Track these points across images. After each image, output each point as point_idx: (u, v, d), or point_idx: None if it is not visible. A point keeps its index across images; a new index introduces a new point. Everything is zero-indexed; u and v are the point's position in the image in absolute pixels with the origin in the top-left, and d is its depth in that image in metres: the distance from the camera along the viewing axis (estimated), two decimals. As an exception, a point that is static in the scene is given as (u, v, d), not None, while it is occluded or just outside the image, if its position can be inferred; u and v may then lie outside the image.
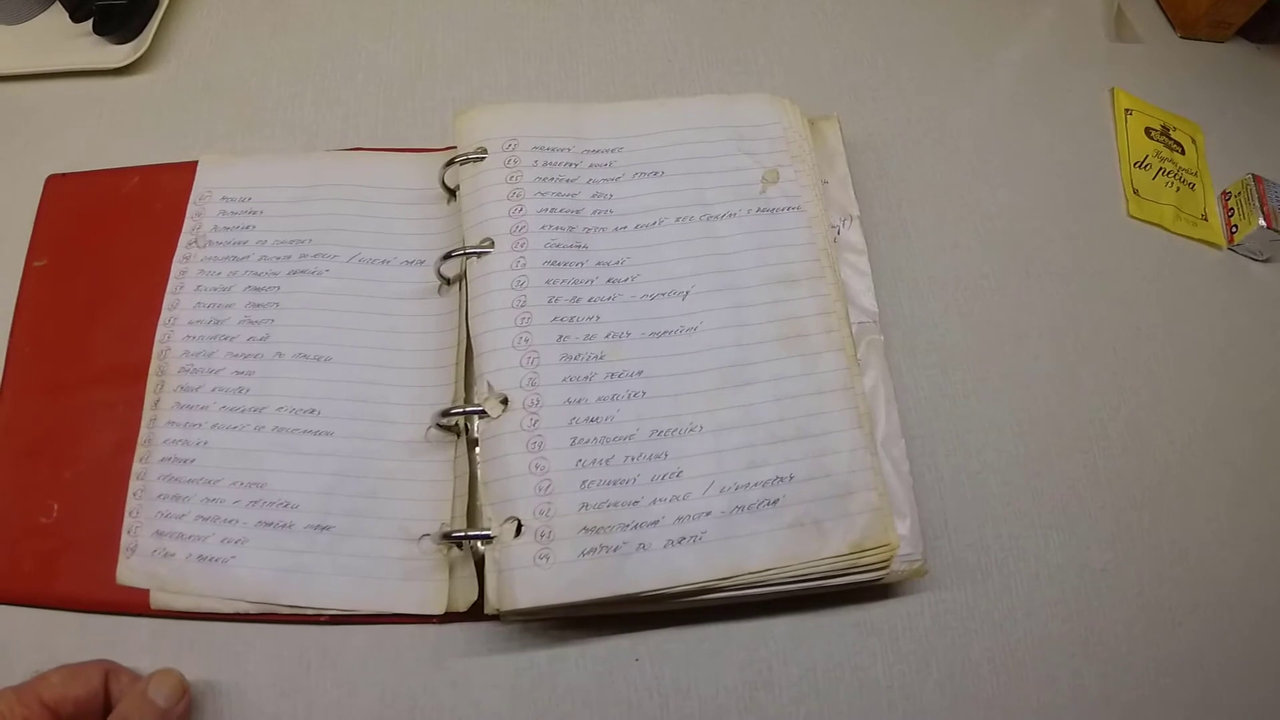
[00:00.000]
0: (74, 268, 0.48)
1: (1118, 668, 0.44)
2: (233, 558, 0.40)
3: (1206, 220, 0.57)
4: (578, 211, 0.43)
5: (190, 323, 0.45)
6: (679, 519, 0.38)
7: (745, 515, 0.38)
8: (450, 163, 0.44)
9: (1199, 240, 0.56)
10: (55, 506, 0.42)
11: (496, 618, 0.38)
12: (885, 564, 0.39)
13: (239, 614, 0.40)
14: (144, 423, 0.43)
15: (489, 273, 0.41)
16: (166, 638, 0.40)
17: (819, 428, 0.40)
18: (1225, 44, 0.65)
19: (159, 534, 0.41)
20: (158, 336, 0.45)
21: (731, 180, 0.44)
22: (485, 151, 0.43)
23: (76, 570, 0.41)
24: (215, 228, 0.46)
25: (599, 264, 0.42)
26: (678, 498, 0.38)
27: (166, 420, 0.43)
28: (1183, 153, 0.58)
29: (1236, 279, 0.56)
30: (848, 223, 0.47)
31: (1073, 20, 0.62)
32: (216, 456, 0.42)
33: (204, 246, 0.46)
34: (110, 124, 0.52)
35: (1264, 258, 0.57)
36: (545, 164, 0.43)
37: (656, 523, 0.38)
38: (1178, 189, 0.57)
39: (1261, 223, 0.55)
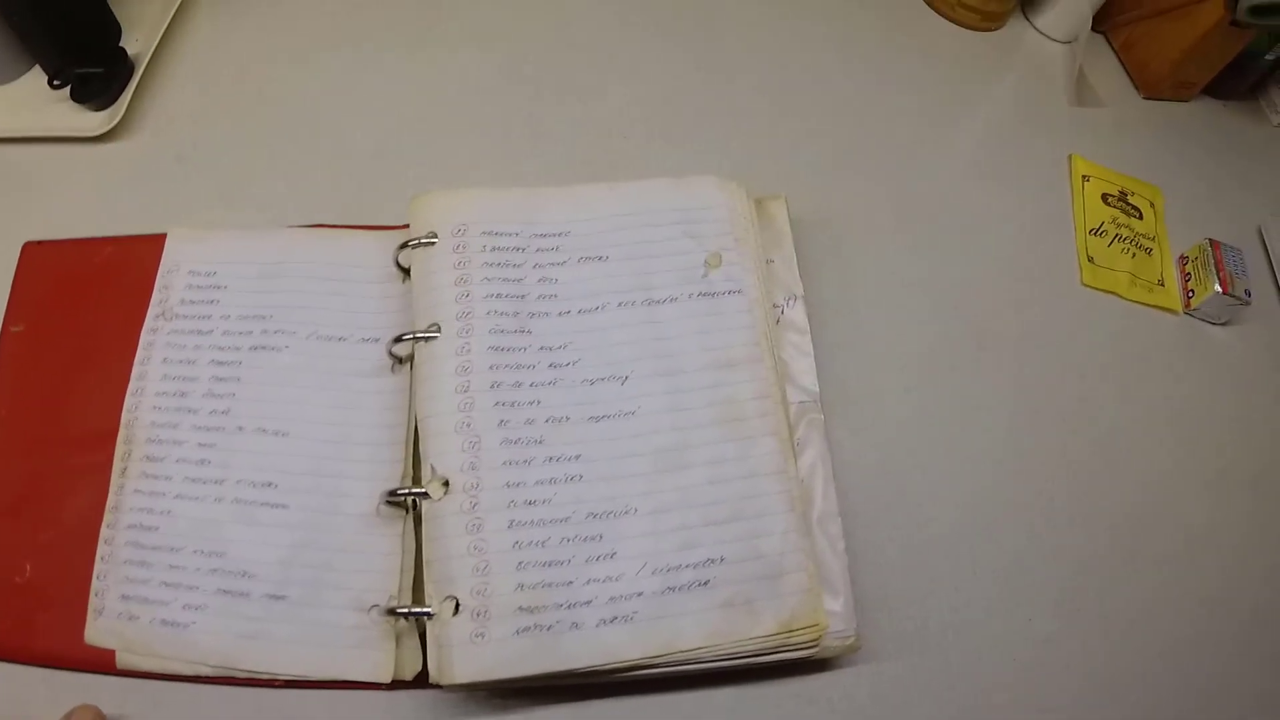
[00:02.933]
0: (50, 334, 0.51)
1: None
2: (193, 623, 0.43)
3: (1163, 285, 0.60)
4: (523, 296, 0.46)
5: (157, 393, 0.48)
6: (612, 599, 0.41)
7: (677, 595, 0.41)
8: (403, 245, 0.47)
9: (1155, 306, 0.59)
10: (28, 567, 0.45)
11: (441, 687, 0.41)
12: (814, 642, 0.42)
13: (200, 676, 0.43)
14: (112, 489, 0.46)
15: (434, 357, 0.44)
16: (133, 696, 0.43)
17: (752, 510, 0.43)
18: (1190, 103, 0.67)
19: (125, 598, 0.44)
20: (126, 405, 0.48)
21: (675, 264, 0.48)
22: (436, 236, 0.46)
23: (49, 629, 0.44)
24: (182, 300, 0.50)
25: (542, 349, 0.45)
26: (611, 578, 0.41)
27: (133, 488, 0.46)
28: (1140, 218, 0.61)
29: (1193, 344, 0.59)
30: (792, 302, 0.49)
31: (1035, 87, 0.65)
32: (179, 525, 0.45)
33: (171, 319, 0.49)
34: (86, 190, 0.55)
35: (1221, 321, 0.59)
36: (494, 249, 0.47)
37: (590, 602, 0.41)
38: (1134, 255, 0.59)
39: (1217, 288, 0.57)
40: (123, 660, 0.43)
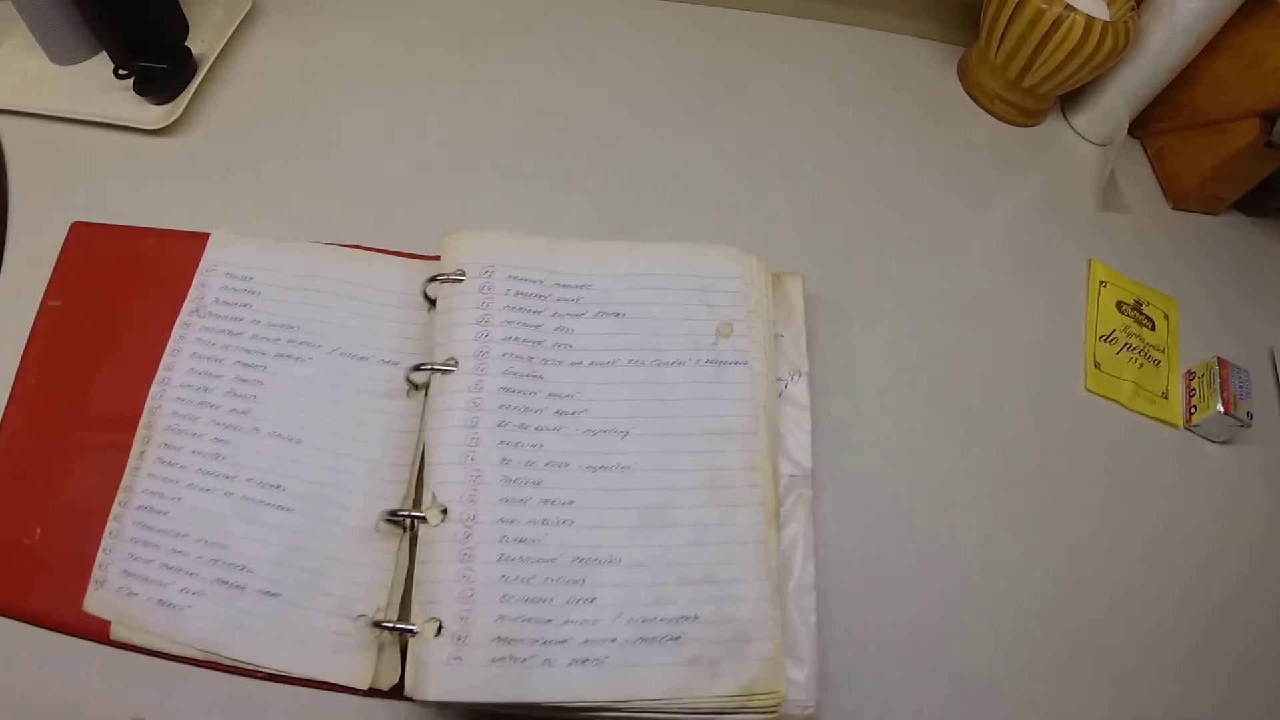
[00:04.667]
0: (85, 313, 0.56)
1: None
2: (189, 607, 0.48)
3: (1166, 398, 0.63)
4: (539, 343, 0.51)
5: (182, 385, 0.53)
6: (586, 641, 0.45)
7: (647, 646, 0.46)
8: (433, 278, 0.52)
9: (1156, 418, 0.63)
10: (38, 530, 0.50)
11: (414, 700, 0.46)
12: (774, 709, 0.46)
13: (187, 658, 0.47)
14: (128, 470, 0.51)
15: (448, 390, 0.49)
16: (120, 667, 0.48)
17: (728, 575, 0.47)
18: (1217, 217, 0.71)
19: (126, 573, 0.49)
20: (151, 393, 0.53)
21: (687, 329, 0.52)
22: (464, 274, 0.51)
23: (48, 591, 0.49)
24: (216, 300, 0.55)
25: (550, 395, 0.50)
26: (588, 621, 0.46)
27: (148, 472, 0.51)
28: (1153, 328, 0.65)
29: (1189, 460, 0.62)
30: (796, 378, 0.54)
31: (1064, 187, 0.69)
32: (187, 513, 0.50)
33: (204, 316, 0.54)
34: (135, 180, 0.60)
35: (1220, 440, 0.63)
36: (517, 293, 0.51)
37: (564, 642, 0.45)
38: (1141, 365, 0.63)
39: (1220, 408, 0.61)
40: (116, 633, 0.47)
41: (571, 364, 0.51)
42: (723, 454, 0.49)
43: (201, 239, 0.57)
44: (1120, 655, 0.55)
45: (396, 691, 0.46)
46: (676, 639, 0.46)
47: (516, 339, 0.50)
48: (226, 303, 0.55)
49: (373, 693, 0.47)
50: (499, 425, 0.48)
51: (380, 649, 0.47)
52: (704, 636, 0.46)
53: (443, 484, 0.47)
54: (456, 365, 0.49)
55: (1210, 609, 0.57)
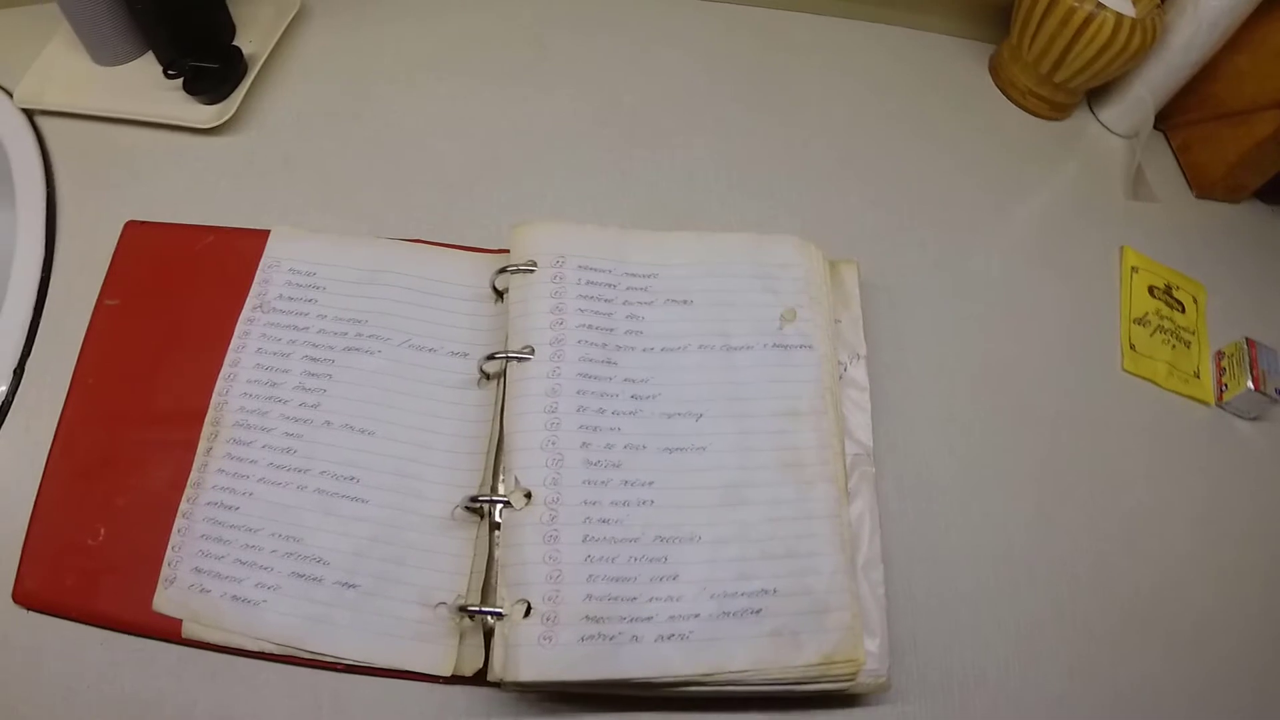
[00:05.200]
0: (143, 311, 0.56)
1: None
2: (264, 601, 0.49)
3: (1199, 378, 0.66)
4: (611, 330, 0.52)
5: (249, 380, 0.54)
6: (671, 617, 0.47)
7: (731, 620, 0.47)
8: (503, 269, 0.54)
9: (1189, 397, 0.65)
10: (102, 530, 0.50)
11: (498, 686, 0.47)
12: (852, 676, 0.48)
13: (263, 653, 0.48)
14: (195, 466, 0.52)
15: (527, 377, 0.50)
16: (191, 665, 0.48)
17: (805, 549, 0.49)
18: (1240, 205, 0.74)
19: (198, 570, 0.49)
20: (216, 389, 0.54)
21: (753, 315, 0.54)
22: (535, 264, 0.53)
23: (115, 592, 0.49)
24: (280, 296, 0.56)
25: (626, 380, 0.51)
26: (672, 598, 0.47)
27: (217, 468, 0.51)
28: (1183, 311, 0.68)
29: (1222, 436, 0.65)
30: (855, 361, 0.56)
31: (1093, 178, 0.72)
32: (260, 508, 0.50)
33: (268, 312, 0.55)
34: (189, 179, 0.61)
35: (1251, 417, 0.66)
36: (588, 283, 0.53)
37: (650, 619, 0.46)
38: (1174, 346, 0.66)
39: (1250, 385, 0.64)
40: (189, 630, 0.48)
41: (644, 350, 0.52)
42: (794, 434, 0.51)
43: (262, 235, 0.58)
44: (1168, 622, 0.57)
45: (479, 678, 0.47)
46: (758, 612, 0.47)
47: (590, 326, 0.52)
48: (291, 298, 0.56)
49: (455, 680, 0.48)
50: (578, 410, 0.50)
51: (461, 636, 0.48)
52: (785, 609, 0.48)
53: (525, 468, 0.48)
54: (533, 353, 0.51)
55: (1250, 576, 0.60)
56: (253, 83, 0.63)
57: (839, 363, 0.55)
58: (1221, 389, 0.66)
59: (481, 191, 0.62)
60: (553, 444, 0.49)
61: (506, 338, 0.52)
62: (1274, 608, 0.59)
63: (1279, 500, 0.63)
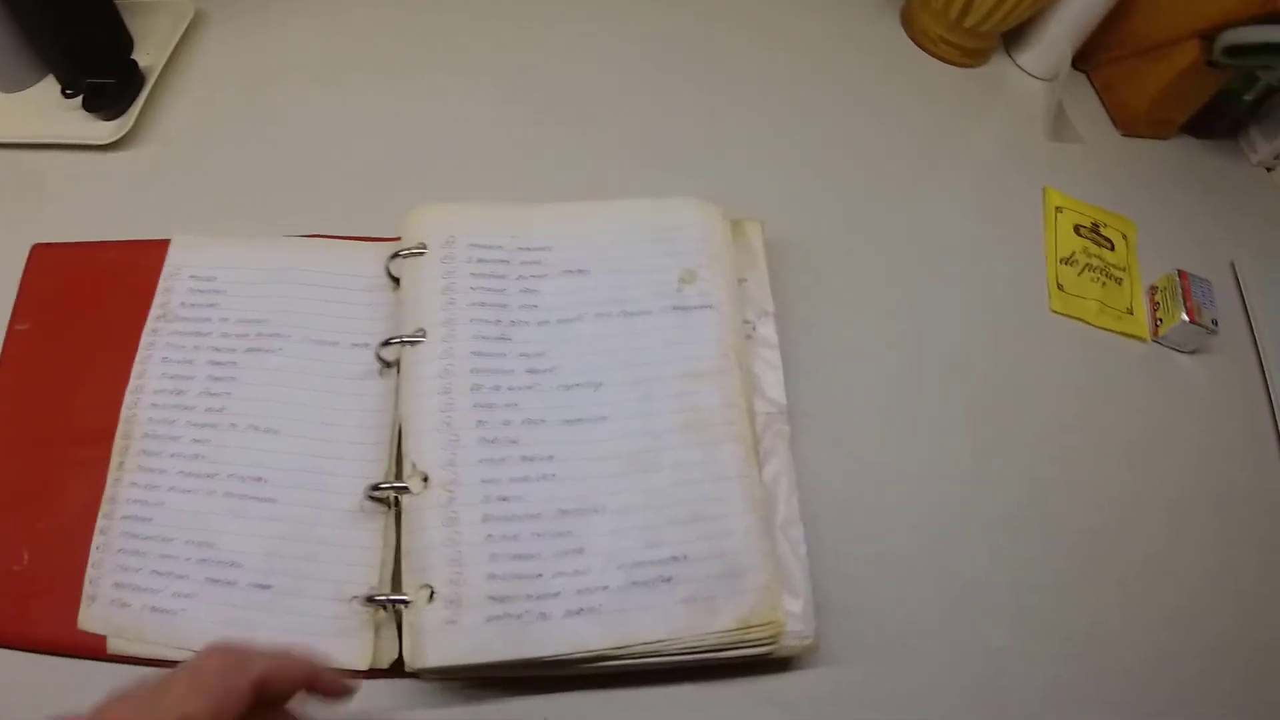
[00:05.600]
0: (54, 333, 0.56)
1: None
2: (183, 610, 0.48)
3: (1132, 314, 0.65)
4: (505, 306, 0.52)
5: (155, 391, 0.53)
6: (579, 591, 0.46)
7: (641, 590, 0.46)
8: (395, 255, 0.53)
9: (1123, 333, 0.64)
10: (26, 555, 0.50)
11: (418, 675, 0.46)
12: (773, 639, 0.47)
13: (187, 662, 0.48)
14: (109, 482, 0.51)
15: (420, 361, 0.50)
16: (122, 681, 0.48)
17: (714, 511, 0.48)
18: (1169, 140, 0.73)
19: (118, 585, 0.49)
20: (125, 403, 0.53)
21: (651, 279, 0.53)
22: (425, 247, 0.52)
23: (43, 615, 0.48)
24: (182, 304, 0.55)
25: (521, 355, 0.51)
26: (579, 572, 0.46)
27: (130, 481, 0.51)
28: (1112, 249, 0.66)
29: (1162, 371, 0.64)
30: (764, 319, 0.55)
31: (1015, 123, 0.71)
32: (172, 517, 0.50)
33: (171, 321, 0.55)
34: (94, 196, 0.61)
35: (1189, 350, 0.65)
36: (479, 260, 0.52)
37: (558, 594, 0.46)
38: (1103, 284, 0.65)
39: (1184, 317, 0.63)
40: (113, 646, 0.47)
41: (539, 324, 0.52)
42: (697, 395, 0.50)
43: (164, 245, 0.57)
44: (1117, 563, 0.56)
45: (397, 669, 0.47)
46: (669, 580, 0.46)
47: (483, 304, 0.51)
48: (193, 305, 0.55)
49: (375, 673, 0.47)
50: (472, 389, 0.49)
51: (377, 628, 0.47)
52: (697, 574, 0.47)
53: (421, 452, 0.48)
54: (425, 335, 0.50)
55: (1200, 509, 0.59)
56: (151, 94, 0.63)
57: (747, 321, 0.54)
58: (1156, 323, 0.65)
59: (387, 183, 0.62)
60: (448, 425, 0.48)
61: (399, 324, 0.51)
62: (1227, 539, 0.58)
63: (1224, 431, 0.62)
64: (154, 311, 0.56)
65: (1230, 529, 0.58)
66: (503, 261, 0.53)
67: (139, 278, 0.57)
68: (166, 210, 0.60)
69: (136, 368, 0.54)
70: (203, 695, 0.33)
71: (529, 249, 0.54)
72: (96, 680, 0.46)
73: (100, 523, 0.50)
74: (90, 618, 0.48)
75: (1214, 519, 0.59)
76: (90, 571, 0.49)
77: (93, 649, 0.48)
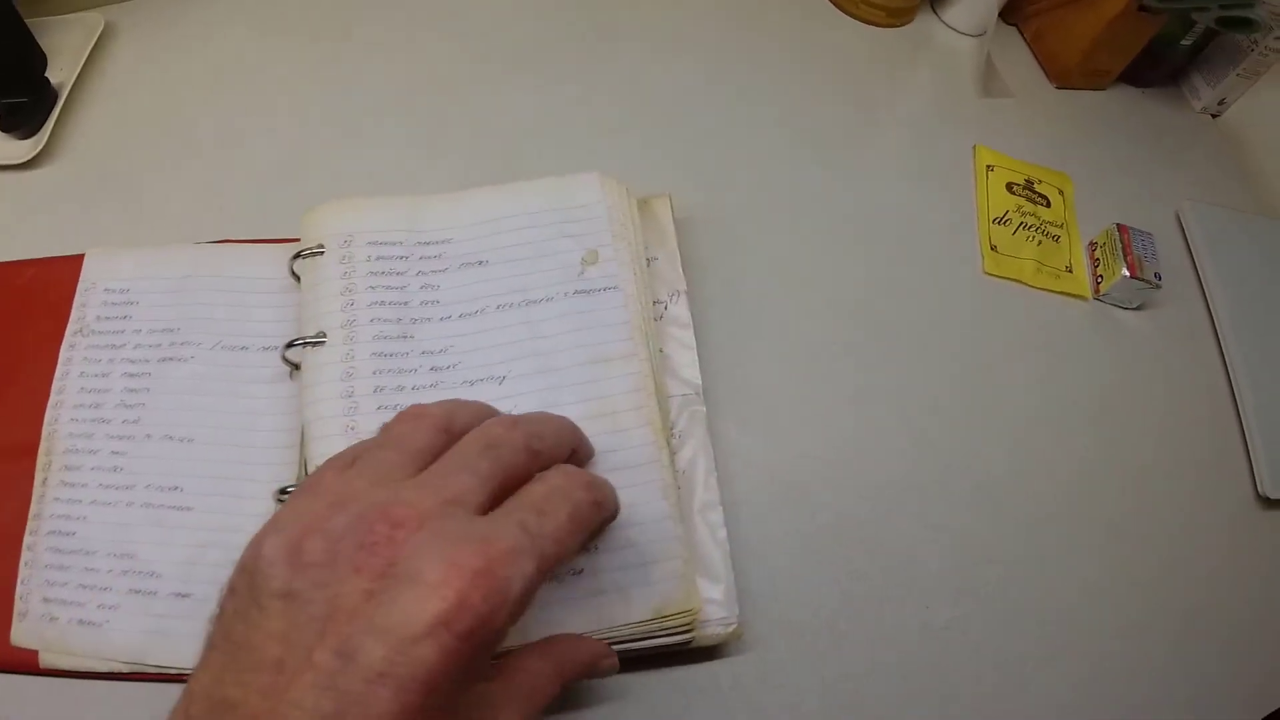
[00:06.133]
0: (-25, 353, 0.56)
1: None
2: (107, 622, 0.48)
3: (1071, 272, 0.63)
4: (406, 304, 0.51)
5: (74, 405, 0.53)
6: (489, 590, 0.45)
7: (550, 585, 0.46)
8: (295, 256, 0.53)
9: (1063, 293, 0.63)
10: (-43, 574, 0.51)
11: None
12: (689, 627, 0.46)
13: (114, 673, 0.48)
14: (34, 498, 0.51)
15: (321, 364, 0.49)
16: (56, 695, 0.48)
17: (624, 500, 0.47)
18: (1107, 91, 0.71)
19: (46, 600, 0.49)
20: (46, 419, 0.53)
21: (552, 264, 0.52)
22: (324, 247, 0.52)
23: (-24, 632, 0.49)
24: (97, 317, 0.55)
25: (424, 353, 0.50)
26: (490, 569, 0.45)
27: (53, 496, 0.51)
28: (1048, 205, 0.65)
29: (1104, 329, 0.62)
30: (675, 298, 0.54)
31: (944, 81, 0.69)
32: (94, 530, 0.50)
33: (87, 335, 0.55)
34: (9, 216, 0.60)
35: (1133, 306, 0.63)
36: (378, 258, 0.52)
37: (466, 594, 0.45)
38: (1039, 242, 0.63)
39: (1125, 272, 0.61)
40: (45, 660, 0.48)
41: (441, 319, 0.51)
42: (605, 382, 0.49)
43: (79, 260, 0.57)
44: (1078, 531, 0.55)
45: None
46: (579, 573, 0.46)
47: (383, 303, 0.51)
48: (107, 318, 0.55)
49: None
50: (375, 391, 0.48)
51: (297, 631, 0.47)
52: (608, 565, 0.46)
53: (325, 457, 0.47)
54: (325, 337, 0.50)
55: (1157, 470, 0.57)
56: (64, 110, 0.62)
57: (657, 302, 0.53)
58: (1097, 281, 0.63)
59: (297, 182, 0.61)
60: (352, 429, 0.48)
61: (299, 326, 0.51)
62: (1188, 496, 0.57)
63: (1176, 386, 0.61)
64: (71, 326, 0.56)
65: (1190, 490, 0.57)
66: (402, 258, 0.52)
67: (56, 293, 0.57)
68: (83, 225, 0.60)
69: (56, 383, 0.54)
70: (467, 472, 0.33)
71: (428, 243, 0.53)
72: (31, 694, 0.48)
73: (27, 539, 0.50)
74: (22, 633, 0.48)
75: (1171, 479, 0.57)
76: (19, 587, 0.49)
77: (26, 664, 0.48)
